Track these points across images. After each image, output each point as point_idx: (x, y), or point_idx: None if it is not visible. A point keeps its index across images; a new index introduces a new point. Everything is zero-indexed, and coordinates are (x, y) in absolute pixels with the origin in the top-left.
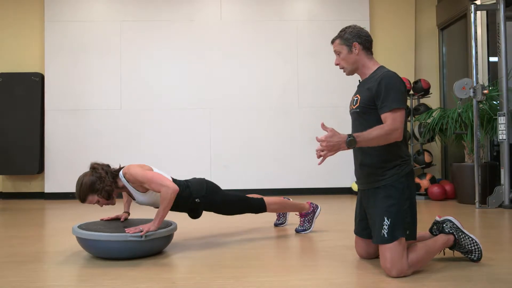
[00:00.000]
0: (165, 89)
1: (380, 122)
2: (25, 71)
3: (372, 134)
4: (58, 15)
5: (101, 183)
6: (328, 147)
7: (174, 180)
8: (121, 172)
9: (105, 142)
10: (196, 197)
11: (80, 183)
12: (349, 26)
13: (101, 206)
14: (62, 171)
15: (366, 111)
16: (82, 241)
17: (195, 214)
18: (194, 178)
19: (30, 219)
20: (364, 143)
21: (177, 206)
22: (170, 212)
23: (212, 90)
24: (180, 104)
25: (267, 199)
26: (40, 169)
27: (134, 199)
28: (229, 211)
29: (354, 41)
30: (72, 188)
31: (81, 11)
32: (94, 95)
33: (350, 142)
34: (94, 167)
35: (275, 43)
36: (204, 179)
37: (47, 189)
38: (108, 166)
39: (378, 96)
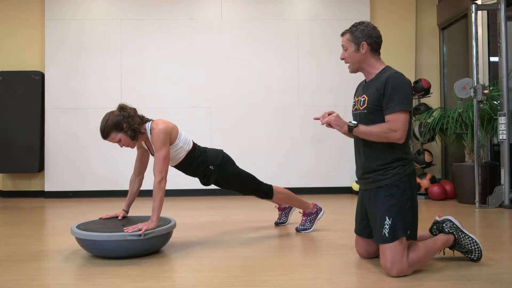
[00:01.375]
0: (165, 88)
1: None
2: (25, 70)
3: (373, 130)
4: (58, 14)
5: (129, 121)
6: (335, 121)
7: (195, 144)
8: (149, 124)
9: (105, 141)
10: (211, 164)
11: (106, 119)
12: (362, 23)
13: (121, 146)
14: (62, 169)
15: (374, 112)
16: (81, 241)
17: (206, 181)
18: (213, 148)
19: (30, 218)
20: (362, 134)
21: (192, 169)
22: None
23: (212, 89)
24: (180, 103)
25: (276, 187)
26: (40, 167)
27: (152, 154)
28: (238, 187)
29: (363, 40)
30: (72, 187)
31: (82, 10)
32: (94, 94)
33: (350, 128)
34: (123, 107)
35: (275, 42)
36: (222, 150)
37: (47, 188)
38: (135, 109)
39: (384, 97)
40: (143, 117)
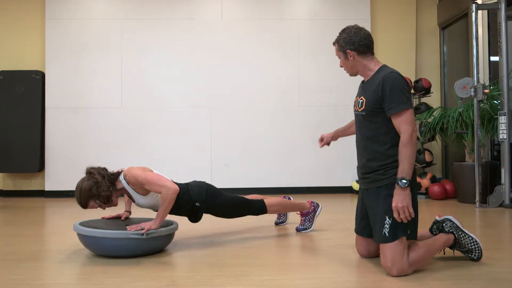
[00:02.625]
0: (165, 88)
1: (387, 124)
2: (25, 69)
3: (405, 160)
4: (58, 13)
5: (98, 188)
6: (404, 210)
7: (175, 183)
8: (121, 175)
9: (106, 140)
10: (196, 201)
11: (79, 190)
12: (345, 30)
13: (104, 209)
14: (62, 169)
15: (372, 114)
16: (83, 238)
17: (195, 218)
18: (195, 181)
19: (30, 217)
20: (409, 169)
21: (177, 209)
22: (169, 216)
23: (212, 89)
24: (180, 103)
25: (268, 201)
26: (41, 167)
27: (134, 202)
28: (230, 215)
29: (347, 48)
30: (72, 186)
31: (82, 9)
32: (94, 93)
33: (406, 184)
34: (90, 172)
35: (276, 42)
36: (204, 182)
37: (48, 187)
38: (105, 169)
39: (383, 99)
40: (113, 175)
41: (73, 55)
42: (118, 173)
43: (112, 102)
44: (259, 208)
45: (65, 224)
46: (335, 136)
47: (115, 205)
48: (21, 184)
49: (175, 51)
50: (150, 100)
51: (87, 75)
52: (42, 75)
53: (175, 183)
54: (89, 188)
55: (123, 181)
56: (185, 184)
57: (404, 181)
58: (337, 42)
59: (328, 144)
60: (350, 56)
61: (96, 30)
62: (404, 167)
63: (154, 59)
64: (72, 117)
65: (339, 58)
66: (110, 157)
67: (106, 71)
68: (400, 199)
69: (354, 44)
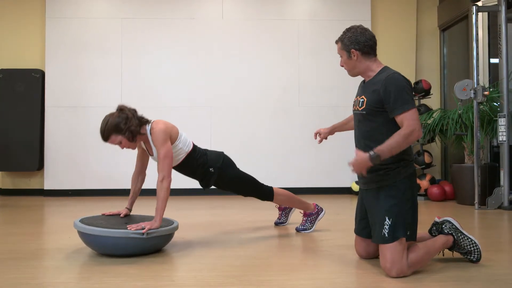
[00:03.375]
0: (165, 87)
1: (387, 123)
2: (25, 68)
3: (392, 144)
4: (59, 12)
5: (127, 123)
6: (358, 168)
7: (195, 146)
8: (149, 125)
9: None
10: (211, 166)
11: (106, 121)
12: (350, 29)
13: (122, 148)
14: (61, 168)
15: (373, 113)
16: (83, 235)
17: (206, 183)
18: (214, 150)
19: (29, 216)
20: (388, 153)
21: (191, 171)
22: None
23: (212, 89)
24: (180, 102)
25: (276, 189)
26: (40, 165)
27: (151, 155)
28: (238, 189)
29: (352, 48)
30: (71, 185)
31: (82, 8)
32: (94, 92)
33: (375, 159)
34: (122, 109)
35: (276, 42)
36: (222, 152)
37: (47, 186)
38: (135, 110)
39: (386, 99)
40: (143, 117)
41: (73, 54)
42: (147, 121)
43: (112, 101)
44: (267, 193)
45: (65, 223)
46: (332, 131)
47: (133, 148)
48: (20, 182)
49: (175, 50)
50: (150, 100)
51: (87, 74)
52: (42, 74)
53: (195, 146)
54: (117, 122)
55: (148, 130)
56: (204, 149)
57: (373, 154)
58: (340, 40)
59: (326, 138)
60: (354, 55)
61: (96, 29)
62: (385, 149)
63: (154, 59)
64: (72, 116)
65: (341, 56)
66: (110, 156)
67: (106, 70)
68: (359, 162)
69: (360, 44)
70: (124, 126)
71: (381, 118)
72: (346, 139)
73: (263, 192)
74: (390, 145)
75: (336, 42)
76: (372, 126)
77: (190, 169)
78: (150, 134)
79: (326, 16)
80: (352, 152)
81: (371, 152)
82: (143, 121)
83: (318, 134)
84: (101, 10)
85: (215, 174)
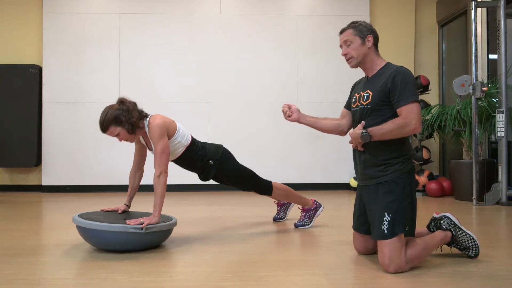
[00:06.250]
0: (163, 83)
1: (392, 117)
2: (23, 63)
3: (385, 129)
4: (56, 7)
5: (127, 115)
6: (354, 142)
7: (194, 139)
8: (147, 119)
9: (103, 135)
10: (210, 158)
11: (106, 112)
12: (361, 21)
13: (120, 140)
14: (59, 164)
15: (378, 107)
16: (82, 230)
17: (205, 176)
18: (213, 143)
19: (27, 212)
20: (378, 136)
21: (190, 164)
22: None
23: (211, 85)
24: (179, 98)
25: (275, 183)
26: (38, 161)
27: (150, 149)
28: (237, 183)
29: (369, 33)
30: (69, 181)
31: (80, 4)
32: (92, 88)
33: (365, 137)
34: (122, 101)
35: (274, 38)
36: (221, 145)
37: (45, 182)
38: (135, 103)
39: (393, 91)
40: (142, 111)
41: (71, 49)
42: (146, 115)
43: (110, 97)
44: (266, 187)
45: (62, 219)
46: (302, 119)
47: (132, 141)
48: (18, 178)
49: (173, 46)
50: (148, 95)
51: (85, 70)
52: (39, 69)
53: (194, 139)
54: (117, 114)
55: (146, 124)
56: (203, 142)
57: (365, 133)
58: (353, 27)
59: (290, 116)
60: (369, 42)
61: (94, 24)
62: (377, 131)
63: (152, 54)
64: (70, 112)
65: (351, 43)
66: (108, 152)
67: (104, 66)
68: (353, 136)
69: (374, 32)
70: (124, 118)
71: (387, 113)
72: (344, 136)
73: (262, 186)
74: (382, 129)
75: (344, 30)
76: (376, 121)
77: (190, 162)
78: (148, 128)
79: (325, 12)
80: (350, 149)
81: (363, 130)
82: (143, 115)
83: (289, 108)
84: (99, 5)
85: (215, 166)
